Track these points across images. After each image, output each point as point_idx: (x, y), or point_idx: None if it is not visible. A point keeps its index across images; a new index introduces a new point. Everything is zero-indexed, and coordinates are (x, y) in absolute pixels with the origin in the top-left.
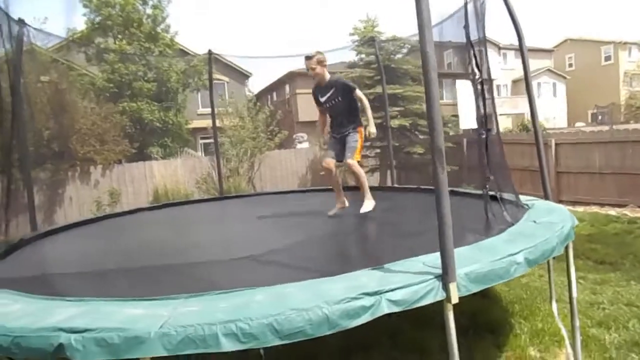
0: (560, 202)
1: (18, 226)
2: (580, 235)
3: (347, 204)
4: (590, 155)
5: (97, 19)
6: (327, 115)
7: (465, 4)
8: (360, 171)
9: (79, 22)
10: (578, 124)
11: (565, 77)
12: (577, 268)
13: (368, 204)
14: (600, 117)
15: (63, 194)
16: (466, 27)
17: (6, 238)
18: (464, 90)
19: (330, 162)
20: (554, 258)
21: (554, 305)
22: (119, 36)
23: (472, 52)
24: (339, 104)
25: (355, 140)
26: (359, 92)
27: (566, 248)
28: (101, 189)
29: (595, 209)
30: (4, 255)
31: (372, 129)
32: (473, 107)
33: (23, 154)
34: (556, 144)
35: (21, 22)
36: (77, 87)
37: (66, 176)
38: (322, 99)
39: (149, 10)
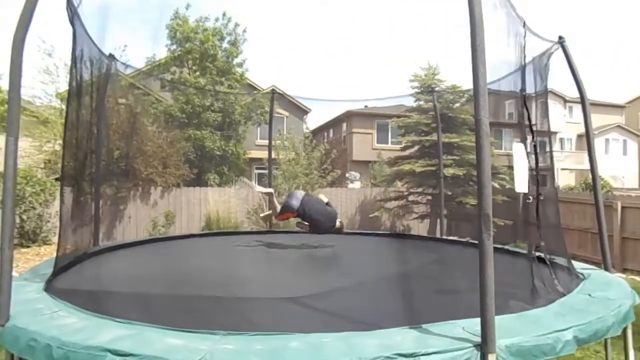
0: (625, 270)
1: (82, 238)
2: None
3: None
4: None
5: (178, 50)
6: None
7: (523, 67)
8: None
9: (160, 52)
10: None
11: (637, 135)
12: None
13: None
14: None
15: (124, 210)
16: (522, 90)
17: (71, 249)
18: (520, 152)
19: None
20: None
21: None
22: (194, 68)
23: (527, 115)
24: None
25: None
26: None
27: (624, 329)
28: (158, 210)
29: None
30: (67, 267)
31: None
32: (526, 172)
33: (96, 171)
34: (622, 207)
35: (111, 56)
36: (150, 111)
37: (128, 194)
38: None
39: (225, 45)
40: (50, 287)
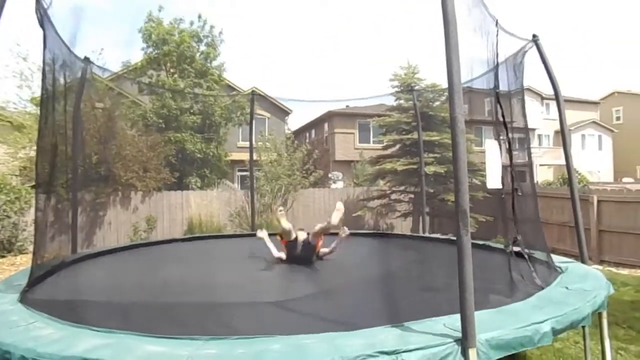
0: (602, 262)
1: (60, 246)
2: (623, 301)
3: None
4: (637, 215)
5: (154, 54)
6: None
7: (496, 66)
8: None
9: (135, 55)
10: (625, 179)
11: (612, 131)
12: (618, 337)
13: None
14: None
15: (103, 216)
16: (495, 87)
17: (48, 258)
18: (493, 149)
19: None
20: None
21: None
22: (171, 70)
23: (500, 113)
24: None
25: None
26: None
27: (599, 316)
28: (139, 214)
29: None
30: (44, 276)
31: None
32: (499, 168)
33: (74, 177)
34: (599, 201)
35: (86, 59)
36: (127, 115)
37: (108, 200)
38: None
39: (202, 47)
40: (25, 298)
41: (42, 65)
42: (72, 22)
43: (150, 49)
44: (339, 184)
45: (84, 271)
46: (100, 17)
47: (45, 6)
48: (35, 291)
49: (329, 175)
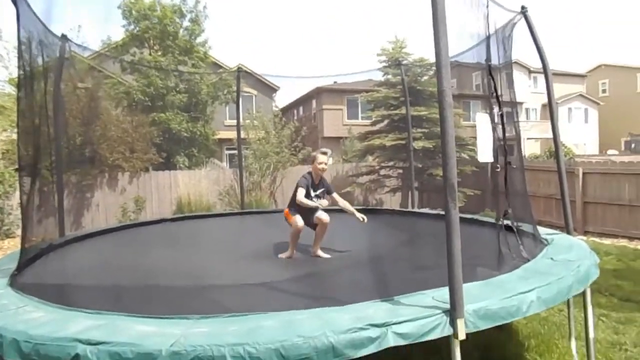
0: (586, 233)
1: (47, 229)
2: (605, 269)
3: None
4: (621, 186)
5: (136, 30)
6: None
7: (488, 37)
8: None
9: (116, 32)
10: (610, 152)
11: (598, 104)
12: (600, 305)
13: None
14: (633, 145)
15: (91, 198)
16: (487, 60)
17: (36, 241)
18: (483, 122)
19: (302, 225)
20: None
21: (573, 343)
22: (155, 47)
23: (492, 85)
24: (321, 201)
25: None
26: (336, 196)
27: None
28: (127, 195)
29: (623, 242)
30: (32, 259)
31: (359, 215)
32: (491, 141)
33: (57, 159)
34: (584, 173)
35: (64, 37)
36: (111, 95)
37: (95, 182)
38: (313, 194)
39: (186, 24)
40: (14, 281)
41: (17, 44)
42: None
43: (132, 26)
44: (330, 160)
45: (72, 254)
46: None
47: None
48: (24, 275)
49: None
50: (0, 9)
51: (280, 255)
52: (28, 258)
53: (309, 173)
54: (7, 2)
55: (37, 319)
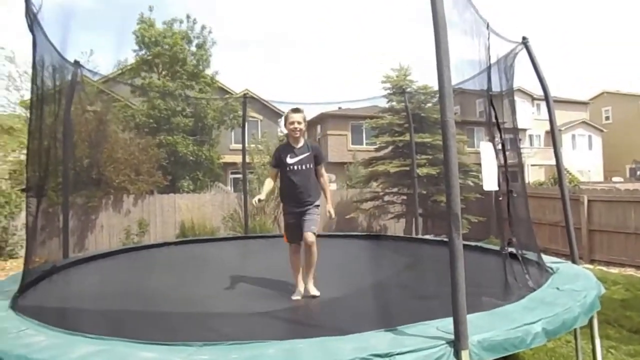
0: (592, 261)
1: (51, 251)
2: (613, 300)
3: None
4: (627, 214)
5: (147, 56)
6: (282, 181)
7: (489, 68)
8: (316, 250)
9: (127, 56)
10: (615, 179)
11: (601, 130)
12: (608, 337)
13: (314, 289)
14: (638, 173)
15: (95, 220)
16: (489, 90)
17: (39, 262)
18: (488, 152)
19: (298, 248)
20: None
21: None
22: (163, 72)
23: (493, 115)
24: (307, 172)
25: (318, 214)
26: (323, 170)
27: (590, 319)
28: (131, 218)
29: (630, 271)
30: (35, 281)
31: (332, 209)
32: (495, 170)
33: (65, 181)
34: (589, 201)
35: (77, 63)
36: (119, 118)
37: (100, 203)
38: (291, 160)
39: (193, 48)
40: (16, 304)
41: (31, 69)
42: (62, 25)
43: (143, 52)
44: (333, 186)
45: (75, 277)
46: (91, 18)
47: (35, 10)
48: (26, 297)
49: None
50: (16, 34)
51: (293, 297)
52: (30, 280)
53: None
54: (24, 28)
55: (38, 343)
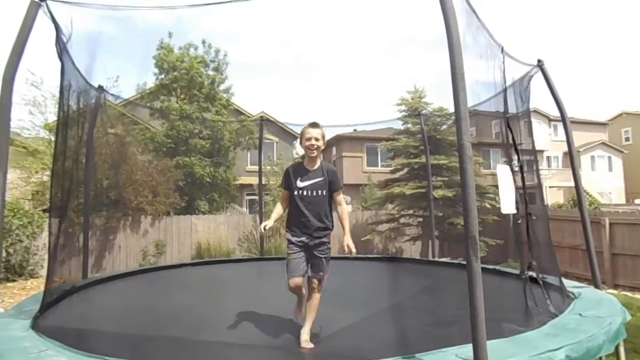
0: (616, 286)
1: (71, 271)
2: (639, 327)
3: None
4: None
5: (166, 80)
6: (290, 205)
7: (505, 90)
8: (319, 297)
9: (148, 80)
10: (638, 201)
11: (621, 151)
12: None
13: (307, 340)
14: None
15: (113, 240)
16: (505, 112)
17: (60, 282)
18: (505, 174)
19: (300, 281)
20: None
21: None
22: (181, 96)
23: (510, 137)
24: (319, 199)
25: (330, 249)
26: (341, 195)
27: (617, 346)
28: (148, 239)
29: None
30: (55, 301)
31: (351, 243)
32: (513, 193)
33: (86, 202)
34: (611, 224)
35: (100, 88)
36: (139, 140)
37: (118, 224)
38: (301, 184)
39: (209, 72)
40: (36, 324)
41: (59, 94)
42: (89, 52)
43: (162, 76)
44: (348, 208)
45: (94, 297)
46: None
47: (65, 40)
48: (47, 317)
49: None
50: (42, 60)
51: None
52: (51, 300)
53: (301, 159)
54: (52, 56)
55: None
